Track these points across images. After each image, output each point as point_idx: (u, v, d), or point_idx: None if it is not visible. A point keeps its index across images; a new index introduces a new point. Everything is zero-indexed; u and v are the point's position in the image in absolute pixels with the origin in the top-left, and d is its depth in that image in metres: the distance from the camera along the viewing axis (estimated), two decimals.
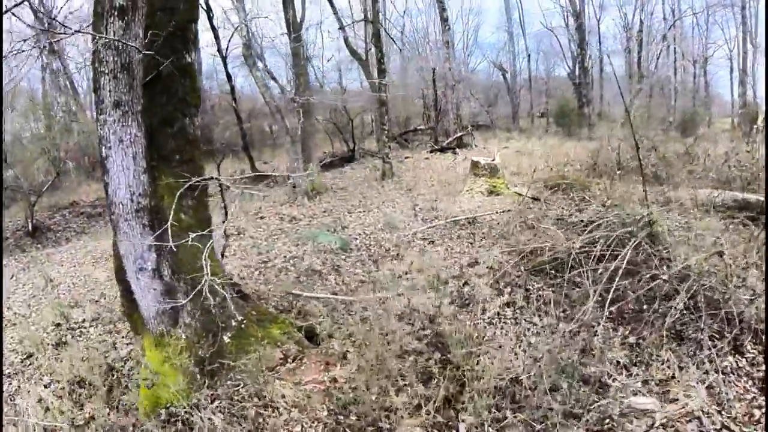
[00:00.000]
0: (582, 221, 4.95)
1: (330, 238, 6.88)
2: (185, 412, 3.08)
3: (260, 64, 10.73)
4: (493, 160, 9.50)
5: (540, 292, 4.02)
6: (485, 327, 3.47)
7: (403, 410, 2.61)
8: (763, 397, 2.32)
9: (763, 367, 2.81)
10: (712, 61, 21.32)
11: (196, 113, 4.01)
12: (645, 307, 3.38)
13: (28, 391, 3.81)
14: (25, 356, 4.48)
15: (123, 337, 4.72)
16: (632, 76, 22.54)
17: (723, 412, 2.61)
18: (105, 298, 5.80)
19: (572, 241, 4.07)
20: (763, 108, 15.52)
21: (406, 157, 16.02)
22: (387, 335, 3.12)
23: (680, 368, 2.86)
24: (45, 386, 3.97)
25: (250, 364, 3.41)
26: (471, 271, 5.06)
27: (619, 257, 3.41)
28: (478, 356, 2.83)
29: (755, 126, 14.72)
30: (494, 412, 2.55)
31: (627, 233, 3.73)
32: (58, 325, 5.12)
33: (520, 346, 3.07)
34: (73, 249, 9.15)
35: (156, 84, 3.61)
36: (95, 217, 13.48)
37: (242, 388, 3.31)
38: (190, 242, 3.24)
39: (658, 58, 20.56)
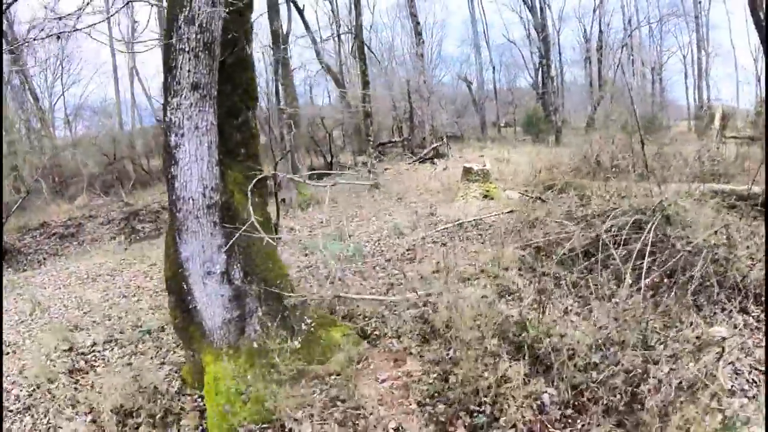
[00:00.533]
0: (590, 214, 5.63)
1: (340, 246, 7.25)
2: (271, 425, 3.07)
3: None
4: (484, 166, 10.23)
5: (568, 279, 4.60)
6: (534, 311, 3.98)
7: (495, 387, 3.00)
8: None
9: None
10: (666, 67, 23.53)
11: (256, 107, 3.98)
12: (666, 280, 4.04)
13: (56, 428, 3.52)
14: (32, 388, 4.08)
15: (151, 358, 4.49)
16: (593, 84, 24.45)
17: (748, 356, 3.26)
18: (110, 320, 5.69)
19: (592, 230, 4.71)
20: (720, 110, 17.41)
21: (385, 169, 16.66)
22: (475, 320, 3.44)
23: (708, 325, 3.50)
24: (69, 419, 3.60)
25: (332, 367, 3.50)
26: (494, 266, 5.60)
27: (641, 239, 4.06)
28: (549, 334, 3.27)
29: (712, 126, 16.54)
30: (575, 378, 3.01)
31: (641, 219, 4.40)
32: (69, 349, 4.90)
33: (574, 323, 3.61)
34: (54, 271, 9.02)
35: (221, 73, 3.31)
36: (68, 237, 13.21)
37: (323, 393, 3.31)
38: (264, 242, 3.48)
39: (617, 67, 22.45)
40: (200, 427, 3.36)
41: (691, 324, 3.59)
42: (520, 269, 5.23)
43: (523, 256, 5.55)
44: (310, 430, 2.99)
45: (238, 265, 3.56)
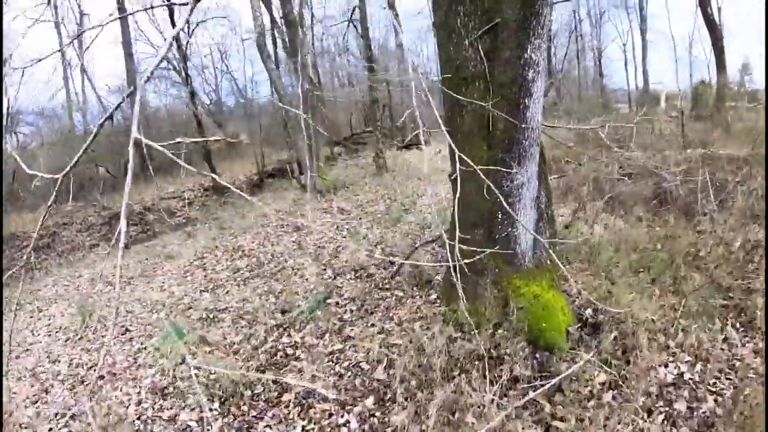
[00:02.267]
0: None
1: (413, 217, 7.72)
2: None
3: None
4: None
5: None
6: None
7: None
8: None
9: None
10: (606, 54, 26.09)
11: None
12: None
13: None
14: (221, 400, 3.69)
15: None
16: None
17: None
18: (210, 316, 5.34)
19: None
20: (665, 93, 19.87)
21: (365, 156, 17.17)
22: None
23: None
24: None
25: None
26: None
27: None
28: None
29: (659, 107, 18.88)
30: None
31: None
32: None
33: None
34: (66, 279, 8.45)
35: None
36: (44, 249, 12.29)
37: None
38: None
39: (565, 56, 24.57)
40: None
41: None
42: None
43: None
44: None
45: (543, 190, 4.09)
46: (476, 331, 3.33)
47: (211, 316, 5.26)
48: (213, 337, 4.67)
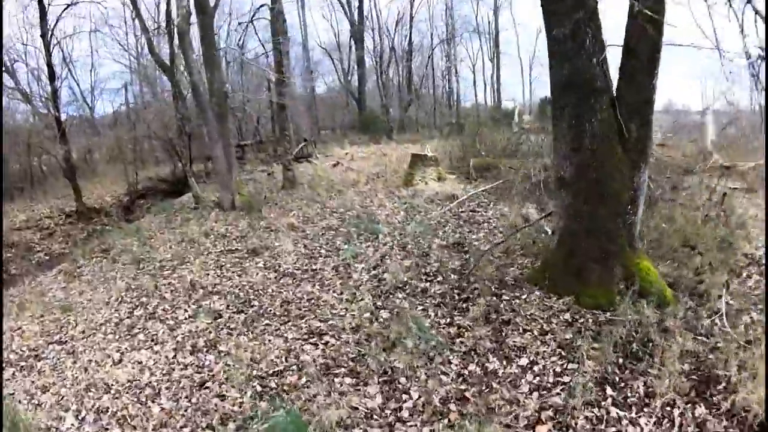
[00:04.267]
0: None
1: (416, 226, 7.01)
2: None
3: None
4: (427, 152, 11.02)
5: None
6: None
7: None
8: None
9: None
10: (459, 72, 28.63)
11: None
12: None
13: None
14: None
15: None
16: (401, 90, 27.90)
17: None
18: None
19: None
20: (518, 109, 22.65)
21: (262, 170, 15.55)
22: None
23: None
24: None
25: None
26: None
27: None
28: None
29: (513, 120, 21.45)
30: None
31: None
32: None
33: None
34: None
35: None
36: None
37: None
38: None
39: (423, 77, 26.25)
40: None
41: None
42: None
43: None
44: None
45: None
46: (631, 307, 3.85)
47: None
48: None
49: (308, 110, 20.37)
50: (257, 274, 5.85)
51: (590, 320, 3.97)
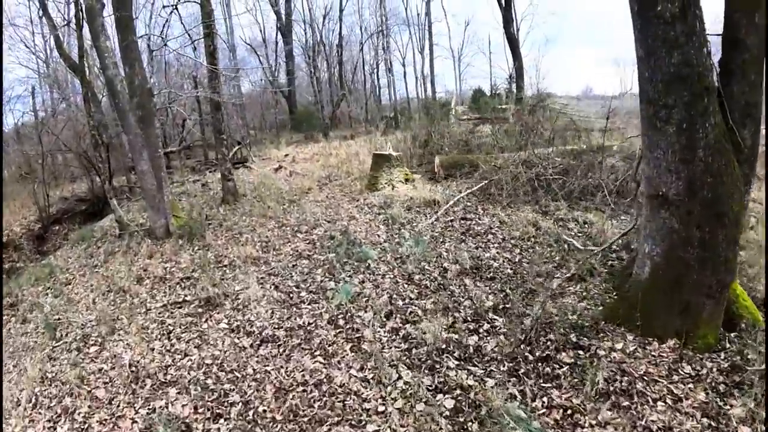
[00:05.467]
0: None
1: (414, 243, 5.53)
2: None
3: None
4: (390, 150, 9.60)
5: None
6: None
7: None
8: None
9: None
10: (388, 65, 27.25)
11: None
12: None
13: None
14: None
15: None
16: (332, 85, 26.17)
17: None
18: None
19: None
20: (453, 100, 21.85)
21: (195, 180, 13.25)
22: None
23: None
24: None
25: None
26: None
27: None
28: None
29: (450, 112, 20.68)
30: None
31: None
32: None
33: None
34: None
35: None
36: None
37: None
38: None
39: (354, 71, 24.65)
40: None
41: None
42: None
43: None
44: None
45: None
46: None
47: None
48: None
49: (238, 110, 17.97)
50: (223, 341, 4.11)
51: (714, 369, 3.01)
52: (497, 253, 5.43)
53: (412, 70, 28.10)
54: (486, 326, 3.84)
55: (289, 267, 5.62)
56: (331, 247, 6.03)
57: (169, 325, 4.61)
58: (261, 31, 24.98)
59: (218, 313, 4.66)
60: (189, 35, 8.38)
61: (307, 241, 6.51)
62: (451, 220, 6.76)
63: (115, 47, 7.88)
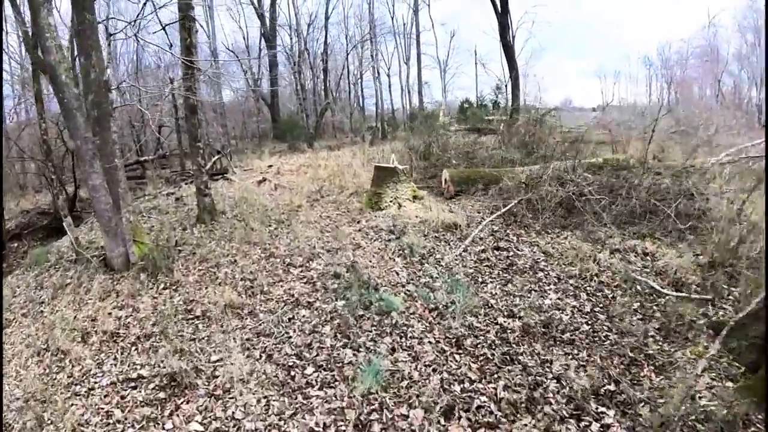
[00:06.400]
0: None
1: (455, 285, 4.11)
2: None
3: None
4: (395, 164, 8.23)
5: None
6: None
7: None
8: None
9: None
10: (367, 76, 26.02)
11: None
12: None
13: None
14: None
15: None
16: (316, 94, 24.77)
17: None
18: None
19: None
20: (442, 110, 20.70)
21: (169, 193, 11.55)
22: None
23: None
24: None
25: None
26: None
27: None
28: None
29: (439, 122, 19.53)
30: None
31: None
32: None
33: None
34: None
35: None
36: None
37: None
38: None
39: (339, 81, 23.29)
40: None
41: None
42: None
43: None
44: None
45: None
46: None
47: None
48: None
49: (218, 117, 16.35)
50: None
51: None
52: (558, 299, 4.09)
53: (397, 80, 26.68)
54: (596, 427, 2.49)
55: (285, 321, 4.14)
56: (338, 290, 4.58)
57: (117, 421, 3.06)
58: (244, 38, 23.34)
59: (187, 402, 3.14)
60: (160, 21, 6.84)
61: (305, 280, 5.04)
62: (483, 250, 5.42)
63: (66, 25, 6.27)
